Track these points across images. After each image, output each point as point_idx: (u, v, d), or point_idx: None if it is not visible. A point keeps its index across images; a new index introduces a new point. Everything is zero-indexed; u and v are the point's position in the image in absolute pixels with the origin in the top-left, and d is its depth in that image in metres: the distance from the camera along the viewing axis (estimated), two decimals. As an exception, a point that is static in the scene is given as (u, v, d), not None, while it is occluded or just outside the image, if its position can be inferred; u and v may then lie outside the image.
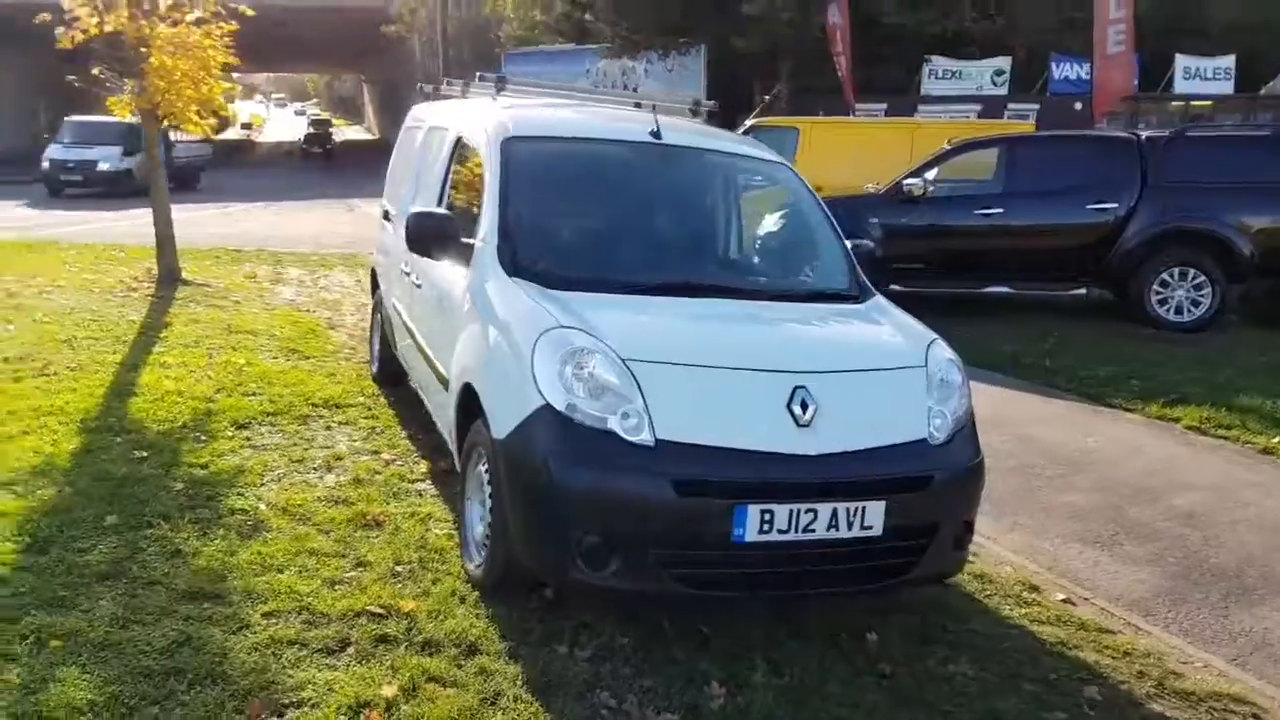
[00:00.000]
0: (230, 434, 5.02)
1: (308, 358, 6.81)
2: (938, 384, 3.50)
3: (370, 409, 5.66)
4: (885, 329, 3.83)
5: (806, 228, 4.45)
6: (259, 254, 12.60)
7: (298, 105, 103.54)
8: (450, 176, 4.66)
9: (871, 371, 3.48)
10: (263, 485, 4.38)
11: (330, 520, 4.04)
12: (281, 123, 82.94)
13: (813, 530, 3.08)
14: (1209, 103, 23.70)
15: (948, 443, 3.40)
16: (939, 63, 24.10)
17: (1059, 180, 9.70)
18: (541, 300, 3.44)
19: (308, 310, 8.79)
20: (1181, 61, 23.53)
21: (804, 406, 3.15)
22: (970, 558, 4.29)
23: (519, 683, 2.96)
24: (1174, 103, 24.00)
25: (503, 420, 3.25)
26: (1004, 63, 23.82)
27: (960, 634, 3.56)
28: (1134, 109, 22.43)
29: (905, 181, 9.85)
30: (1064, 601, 3.96)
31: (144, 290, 8.98)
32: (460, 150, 4.61)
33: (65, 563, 3.46)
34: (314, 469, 4.66)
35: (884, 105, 22.56)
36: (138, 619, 3.12)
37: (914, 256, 10.00)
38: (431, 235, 3.92)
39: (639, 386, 3.07)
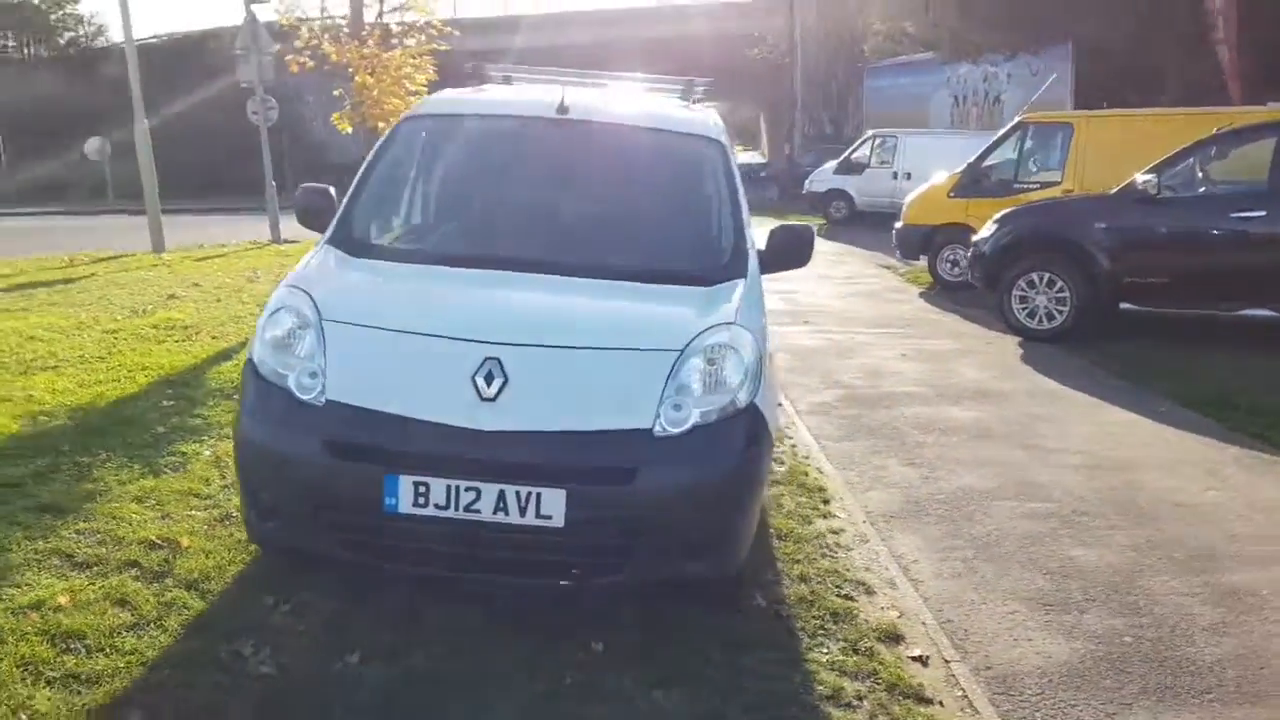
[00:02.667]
0: (265, 395, 5.69)
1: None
2: (698, 373, 3.07)
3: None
4: (674, 309, 3.37)
5: (707, 209, 4.07)
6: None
7: None
8: None
9: (596, 350, 3.12)
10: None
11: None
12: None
13: (477, 510, 2.88)
14: None
15: (682, 437, 2.97)
16: (1390, 44, 18.98)
17: (1351, 174, 7.54)
18: (311, 261, 3.58)
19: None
20: None
21: (489, 379, 2.96)
22: (854, 597, 3.62)
23: (183, 618, 3.11)
24: None
25: None
26: None
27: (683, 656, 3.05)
28: None
29: (1140, 178, 8.25)
30: (914, 659, 3.21)
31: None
32: None
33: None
34: (296, 429, 5.14)
35: (1305, 104, 18.32)
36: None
37: (1151, 269, 8.36)
38: (306, 210, 3.97)
39: (324, 346, 3.09)
